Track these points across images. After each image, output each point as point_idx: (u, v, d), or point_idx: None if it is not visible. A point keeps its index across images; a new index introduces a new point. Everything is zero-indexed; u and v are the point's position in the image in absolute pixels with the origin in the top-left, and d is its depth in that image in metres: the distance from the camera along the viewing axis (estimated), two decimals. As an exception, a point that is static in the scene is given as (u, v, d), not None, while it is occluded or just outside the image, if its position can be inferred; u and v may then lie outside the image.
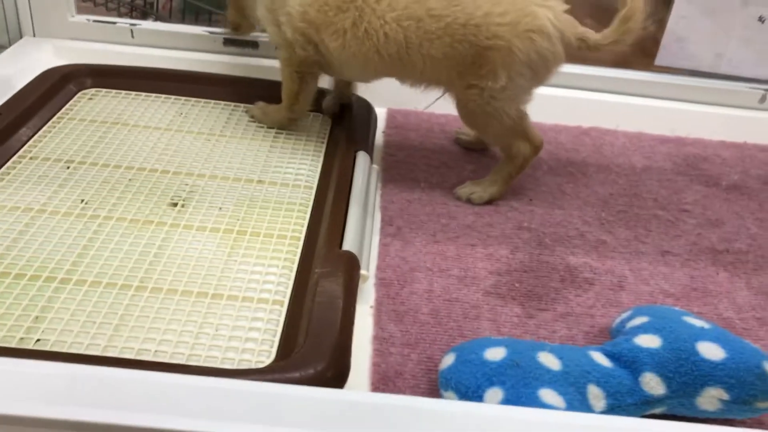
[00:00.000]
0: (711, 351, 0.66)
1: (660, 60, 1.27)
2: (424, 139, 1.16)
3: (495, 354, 0.66)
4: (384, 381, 0.71)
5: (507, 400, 0.62)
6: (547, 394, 0.62)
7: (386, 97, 1.23)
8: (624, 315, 0.76)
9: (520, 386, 0.62)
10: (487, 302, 0.83)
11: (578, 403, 0.63)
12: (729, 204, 1.07)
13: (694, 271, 0.91)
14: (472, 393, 0.63)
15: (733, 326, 0.83)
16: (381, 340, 0.76)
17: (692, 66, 1.29)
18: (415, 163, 1.09)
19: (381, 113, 1.20)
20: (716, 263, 0.93)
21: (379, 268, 0.86)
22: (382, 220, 0.95)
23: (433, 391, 0.70)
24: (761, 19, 1.23)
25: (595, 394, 0.64)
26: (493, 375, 0.64)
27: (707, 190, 1.10)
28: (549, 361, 0.65)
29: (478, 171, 1.07)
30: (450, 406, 0.54)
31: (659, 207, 1.04)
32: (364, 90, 1.17)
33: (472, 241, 0.93)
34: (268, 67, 1.20)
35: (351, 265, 0.77)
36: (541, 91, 1.28)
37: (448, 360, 0.68)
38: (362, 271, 0.80)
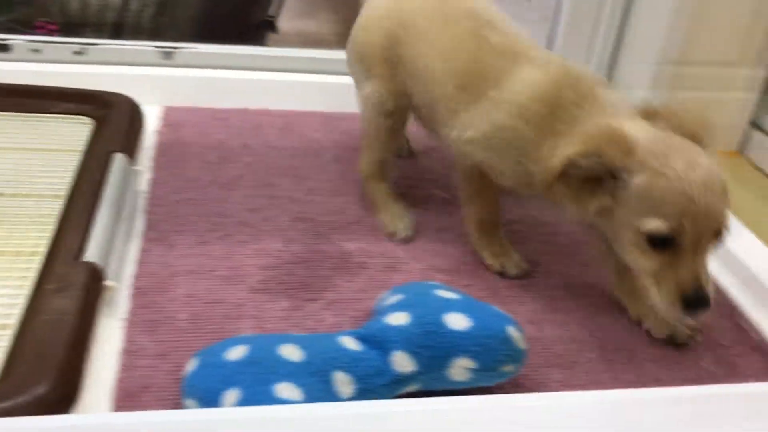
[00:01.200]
0: (457, 321, 0.66)
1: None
2: (201, 136, 1.10)
3: (235, 353, 0.62)
4: (128, 397, 0.65)
5: (243, 401, 0.58)
6: (284, 389, 0.59)
7: (161, 94, 1.17)
8: (383, 295, 0.75)
9: (257, 384, 0.59)
10: (252, 299, 0.79)
11: (321, 392, 0.60)
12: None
13: (466, 245, 0.92)
14: (210, 398, 0.60)
15: (498, 294, 0.84)
16: (129, 354, 0.70)
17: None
18: (189, 161, 1.03)
19: (155, 111, 1.14)
20: (489, 235, 0.95)
21: (136, 276, 0.80)
22: (146, 225, 0.89)
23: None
24: (527, -2, 1.27)
25: (341, 380, 0.62)
26: (231, 376, 0.60)
27: (486, 164, 1.12)
28: (290, 353, 0.62)
29: (253, 164, 1.03)
30: (160, 417, 0.50)
31: (436, 186, 1.04)
32: (134, 88, 1.10)
33: (243, 238, 0.89)
34: (20, 71, 1.11)
35: (90, 277, 0.71)
36: (322, 79, 1.27)
37: (190, 366, 0.63)
38: (108, 282, 0.74)
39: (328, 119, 1.18)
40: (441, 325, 0.66)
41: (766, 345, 0.81)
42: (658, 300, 0.67)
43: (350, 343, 0.65)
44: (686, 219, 0.64)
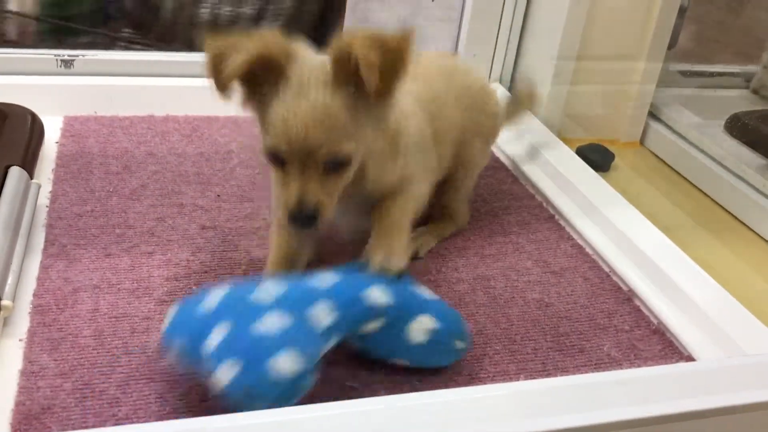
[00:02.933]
0: (426, 293, 0.74)
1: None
2: (104, 146, 1.07)
3: (214, 298, 0.65)
4: (28, 420, 0.63)
5: (232, 334, 0.61)
6: (271, 317, 0.62)
7: (61, 104, 1.13)
8: None
9: (245, 316, 0.63)
10: (159, 312, 0.77)
11: (303, 322, 0.64)
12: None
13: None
14: (197, 336, 0.62)
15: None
16: (29, 375, 0.68)
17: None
18: (92, 172, 1.00)
19: (56, 122, 1.10)
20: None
21: (36, 294, 0.77)
22: (46, 240, 0.86)
23: (87, 420, 0.64)
24: (432, -2, 1.29)
25: (322, 309, 0.66)
26: (216, 315, 0.63)
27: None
28: (267, 290, 0.66)
29: (159, 173, 1.01)
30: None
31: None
32: (32, 98, 1.07)
33: (149, 248, 0.87)
34: None
35: (-16, 297, 0.69)
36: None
37: (169, 317, 0.66)
38: (5, 302, 0.72)
39: (236, 123, 1.17)
40: (409, 287, 0.72)
41: (665, 328, 0.85)
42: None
43: (327, 277, 0.69)
44: (283, 140, 0.69)
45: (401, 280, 0.73)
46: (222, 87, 0.68)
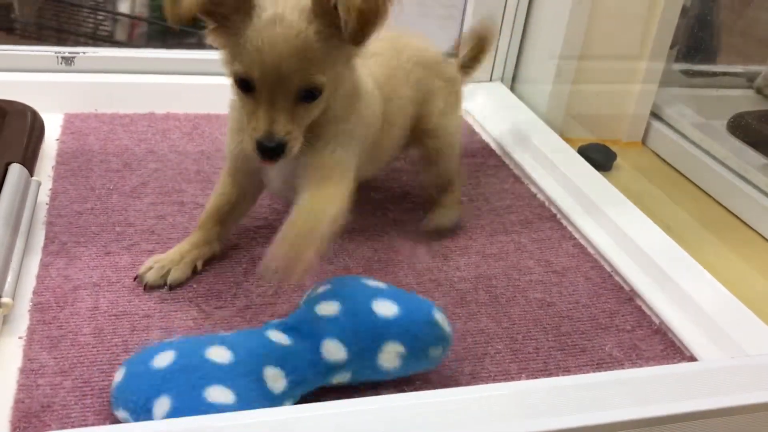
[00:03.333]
0: (385, 308, 0.68)
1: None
2: (105, 143, 1.07)
3: (163, 360, 0.62)
4: (27, 419, 0.63)
5: (175, 408, 0.57)
6: (215, 392, 0.59)
7: (62, 101, 1.13)
8: (309, 290, 0.75)
9: (188, 390, 0.59)
10: (160, 310, 0.77)
11: (253, 391, 0.61)
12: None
13: (377, 243, 0.93)
14: (141, 408, 0.59)
15: (409, 290, 0.84)
16: (28, 373, 0.67)
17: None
18: (92, 170, 1.00)
19: (56, 119, 1.10)
20: (401, 235, 0.96)
21: (36, 292, 0.77)
22: (46, 238, 0.85)
23: (87, 418, 0.64)
24: None
25: (273, 375, 0.63)
26: (161, 383, 0.59)
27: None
28: (219, 355, 0.62)
29: (159, 170, 1.01)
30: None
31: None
32: (33, 95, 1.06)
33: (150, 246, 0.87)
34: None
35: (-16, 294, 0.68)
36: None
37: (118, 376, 0.63)
38: (5, 299, 0.71)
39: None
40: (370, 313, 0.67)
41: (667, 328, 0.84)
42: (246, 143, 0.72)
43: (278, 337, 0.66)
44: (257, 66, 0.68)
45: (359, 300, 0.68)
46: (179, 20, 0.68)
